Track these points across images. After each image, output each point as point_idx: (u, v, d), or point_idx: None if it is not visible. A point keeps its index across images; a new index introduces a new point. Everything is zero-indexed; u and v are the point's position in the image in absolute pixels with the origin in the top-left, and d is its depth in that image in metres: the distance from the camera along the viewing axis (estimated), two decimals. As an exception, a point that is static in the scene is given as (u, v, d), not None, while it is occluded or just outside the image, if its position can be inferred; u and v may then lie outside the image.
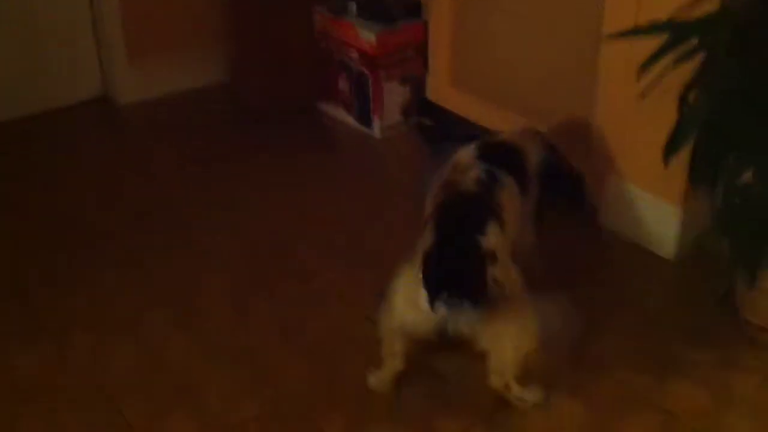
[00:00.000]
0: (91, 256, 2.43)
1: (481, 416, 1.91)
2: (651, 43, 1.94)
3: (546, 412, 1.91)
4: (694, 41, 1.89)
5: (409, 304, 1.80)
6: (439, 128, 3.00)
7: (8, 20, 3.01)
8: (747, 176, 2.00)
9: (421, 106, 3.06)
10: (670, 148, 2.03)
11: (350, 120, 3.11)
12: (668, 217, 2.37)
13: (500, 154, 2.05)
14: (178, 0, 3.21)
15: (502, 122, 2.78)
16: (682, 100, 2.02)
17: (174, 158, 2.94)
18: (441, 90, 3.00)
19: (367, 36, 2.91)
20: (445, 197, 1.93)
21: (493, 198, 1.92)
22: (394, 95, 3.01)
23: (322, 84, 3.16)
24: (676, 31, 1.86)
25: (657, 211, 2.39)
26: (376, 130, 3.03)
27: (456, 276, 1.76)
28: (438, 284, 1.74)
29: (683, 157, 2.08)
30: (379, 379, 1.94)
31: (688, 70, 1.96)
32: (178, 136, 3.07)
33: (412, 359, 1.92)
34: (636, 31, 1.94)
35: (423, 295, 1.75)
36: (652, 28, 1.92)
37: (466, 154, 2.04)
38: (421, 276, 1.76)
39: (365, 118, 3.05)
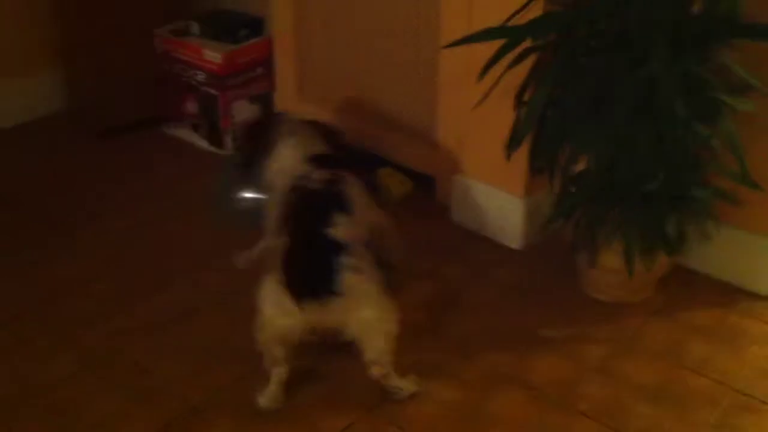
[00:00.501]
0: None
1: (364, 410, 2.00)
2: (484, 49, 2.11)
3: (422, 399, 2.02)
4: (527, 44, 2.07)
5: (278, 309, 1.90)
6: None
7: None
8: (580, 165, 2.21)
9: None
10: (512, 143, 2.21)
11: (200, 141, 3.13)
12: (513, 208, 2.55)
13: (326, 157, 2.23)
14: (16, 27, 3.13)
15: (349, 131, 2.90)
16: (518, 98, 2.20)
17: (15, 195, 2.86)
18: (290, 104, 3.08)
19: (212, 56, 2.95)
20: (294, 201, 2.07)
21: (336, 191, 2.07)
22: (243, 114, 3.06)
23: (169, 107, 3.17)
24: (510, 35, 2.03)
25: (502, 204, 2.57)
26: (228, 149, 3.07)
27: (313, 272, 1.89)
28: (298, 284, 1.87)
29: (523, 151, 2.27)
30: (268, 396, 1.99)
31: (521, 71, 2.15)
32: (20, 172, 2.99)
33: (293, 366, 1.99)
34: (471, 38, 2.09)
35: (287, 298, 1.87)
36: (486, 34, 2.08)
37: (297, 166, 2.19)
38: (283, 279, 1.87)
39: (215, 139, 3.08)
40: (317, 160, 2.20)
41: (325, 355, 2.09)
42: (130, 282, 2.42)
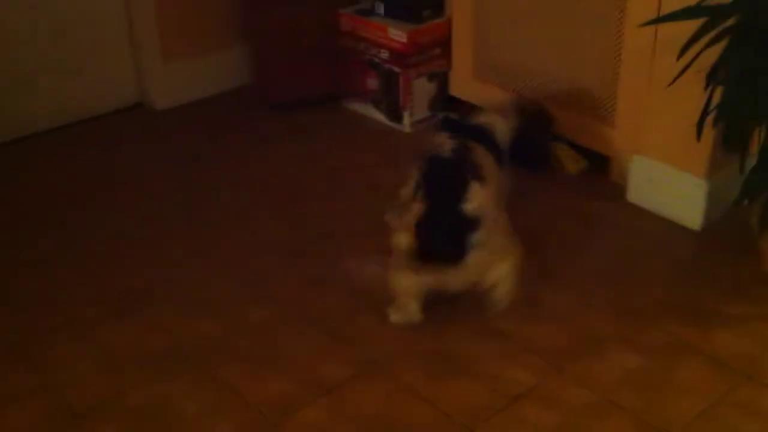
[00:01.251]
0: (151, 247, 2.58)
1: (552, 369, 2.09)
2: (670, 29, 2.14)
3: (607, 364, 2.09)
4: (726, 23, 2.10)
5: (403, 272, 2.11)
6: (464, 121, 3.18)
7: (43, 29, 3.13)
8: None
9: (447, 101, 3.24)
10: (702, 122, 2.24)
11: (380, 116, 3.28)
12: (695, 189, 2.57)
13: (470, 131, 2.35)
14: (207, 4, 3.37)
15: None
16: (711, 77, 2.22)
17: (210, 157, 3.09)
18: (465, 84, 3.19)
19: (397, 35, 3.09)
20: (426, 168, 2.19)
21: (470, 160, 2.19)
22: (422, 91, 3.20)
23: (348, 82, 3.34)
24: (710, 13, 2.06)
25: (683, 184, 2.60)
26: (407, 125, 3.21)
27: (442, 245, 2.07)
28: (425, 255, 2.05)
29: (708, 131, 2.30)
30: (402, 315, 2.20)
31: (711, 51, 2.17)
32: (212, 136, 3.22)
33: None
34: (671, 16, 2.13)
35: (413, 263, 2.07)
36: (687, 13, 2.12)
37: (441, 135, 2.32)
38: (412, 247, 2.06)
39: (395, 114, 3.23)
40: (450, 127, 2.34)
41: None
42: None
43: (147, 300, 2.35)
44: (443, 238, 2.08)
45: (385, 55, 3.17)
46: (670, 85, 2.29)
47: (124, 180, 2.96)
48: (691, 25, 2.14)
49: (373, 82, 3.26)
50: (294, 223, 2.69)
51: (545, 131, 2.62)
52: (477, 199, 2.08)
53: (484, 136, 2.34)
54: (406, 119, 3.21)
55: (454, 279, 2.09)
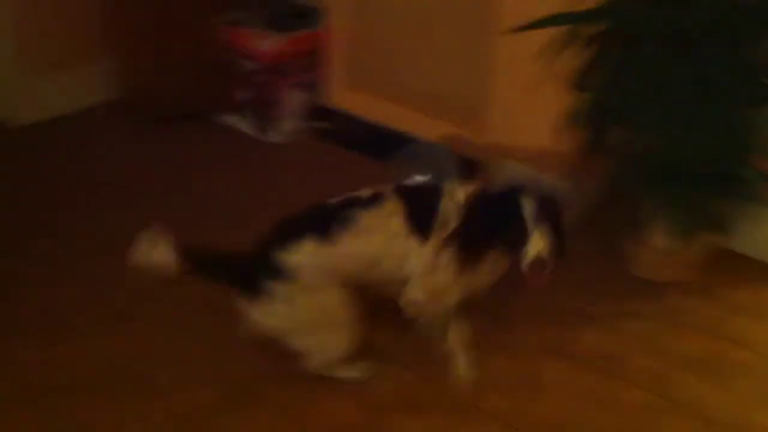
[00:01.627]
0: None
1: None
2: (539, 35, 2.18)
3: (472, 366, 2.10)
4: (589, 30, 2.15)
5: None
6: (338, 130, 3.18)
7: None
8: (629, 149, 2.29)
9: (320, 111, 3.23)
10: (567, 126, 2.29)
11: (251, 128, 3.23)
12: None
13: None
14: (71, 17, 3.25)
15: (400, 120, 3.00)
16: (576, 82, 2.28)
17: (74, 177, 2.96)
18: (339, 94, 3.18)
19: (267, 45, 3.06)
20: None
21: None
22: (293, 101, 3.17)
23: (221, 95, 3.27)
24: (573, 21, 2.12)
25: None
26: (278, 136, 3.17)
27: None
28: None
29: (573, 135, 2.35)
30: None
31: (577, 57, 2.23)
32: (77, 156, 3.10)
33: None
34: (539, 23, 2.17)
35: None
36: (551, 20, 2.17)
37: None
38: None
39: (266, 126, 3.18)
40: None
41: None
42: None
43: None
44: None
45: (255, 65, 3.12)
46: (534, 90, 2.34)
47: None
48: (559, 33, 2.19)
49: (244, 94, 3.21)
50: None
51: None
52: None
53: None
54: (278, 130, 3.17)
55: None
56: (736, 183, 2.23)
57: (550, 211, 1.90)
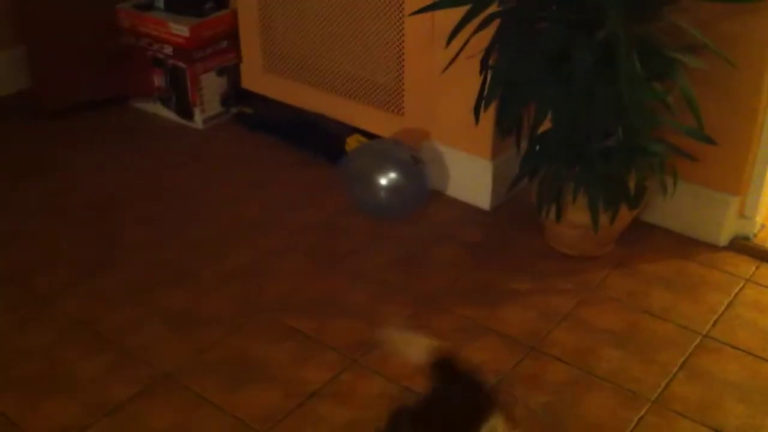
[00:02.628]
0: None
1: (349, 361, 2.08)
2: (448, 16, 2.17)
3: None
4: (491, 9, 2.15)
5: None
6: (259, 115, 3.13)
7: None
8: (544, 126, 2.30)
9: (240, 96, 3.17)
10: (480, 106, 2.30)
11: (170, 114, 3.16)
12: (481, 170, 2.64)
13: None
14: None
15: (317, 102, 2.96)
16: (483, 62, 2.28)
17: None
18: (255, 77, 3.13)
19: (179, 29, 2.98)
20: None
21: None
22: (211, 86, 3.10)
23: (134, 81, 3.19)
24: (475, 0, 2.10)
25: (470, 167, 2.66)
26: (198, 121, 3.11)
27: None
28: None
29: (489, 114, 2.36)
30: None
31: (484, 36, 2.22)
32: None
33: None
34: (437, 5, 2.16)
35: None
36: (451, 1, 2.15)
37: None
38: None
39: (185, 112, 3.12)
40: None
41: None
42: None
43: None
44: None
45: (168, 50, 3.04)
46: (443, 72, 2.33)
47: None
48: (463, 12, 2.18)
49: (159, 80, 3.13)
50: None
51: None
52: None
53: None
54: (198, 115, 3.11)
55: None
56: (645, 156, 2.26)
57: None
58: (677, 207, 2.51)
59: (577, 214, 2.34)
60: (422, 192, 2.64)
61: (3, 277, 2.36)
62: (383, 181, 2.59)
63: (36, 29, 3.11)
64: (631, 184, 2.30)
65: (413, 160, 2.60)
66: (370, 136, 2.90)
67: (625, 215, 2.39)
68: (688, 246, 2.51)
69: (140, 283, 2.34)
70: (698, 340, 2.16)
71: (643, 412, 1.96)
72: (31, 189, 2.77)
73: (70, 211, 2.66)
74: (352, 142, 2.88)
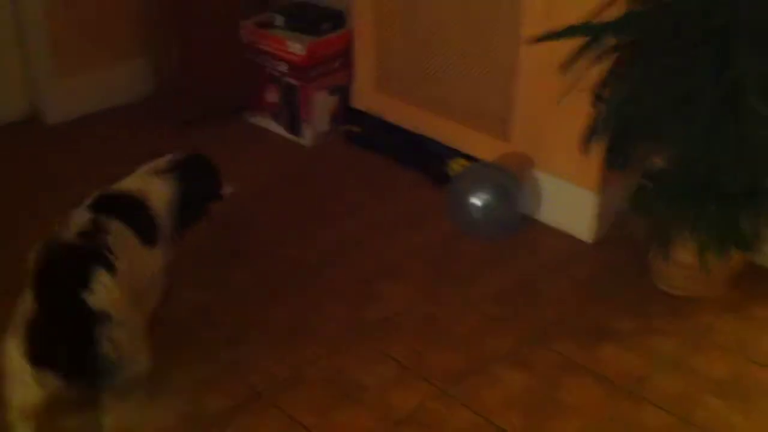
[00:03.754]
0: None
1: (438, 392, 2.07)
2: (564, 46, 2.15)
3: (495, 383, 2.08)
4: (610, 41, 2.11)
5: (21, 383, 1.68)
6: (367, 134, 3.16)
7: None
8: (657, 163, 2.25)
9: (349, 114, 3.22)
10: (590, 138, 2.26)
11: (280, 130, 3.24)
12: (586, 202, 2.59)
13: (113, 205, 1.93)
14: (103, 15, 3.28)
15: (424, 124, 2.98)
16: (597, 95, 2.24)
17: (102, 174, 2.96)
18: (367, 97, 3.17)
19: (296, 48, 3.05)
20: (41, 253, 1.70)
21: (97, 243, 1.76)
22: (323, 104, 3.16)
23: (250, 96, 3.28)
24: (593, 32, 2.08)
25: (575, 198, 2.62)
26: (307, 138, 3.17)
27: (59, 347, 1.64)
28: (41, 359, 1.64)
29: (598, 146, 2.32)
30: None
31: (599, 69, 2.19)
32: (106, 153, 3.13)
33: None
34: (555, 35, 2.14)
35: (29, 370, 1.65)
36: (570, 31, 2.13)
37: (79, 210, 1.89)
38: (24, 349, 1.64)
39: (295, 128, 3.18)
40: (96, 203, 1.92)
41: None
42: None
43: None
44: (60, 340, 1.64)
45: (284, 68, 3.12)
46: (558, 102, 2.30)
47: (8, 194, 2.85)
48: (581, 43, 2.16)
49: (273, 96, 3.21)
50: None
51: (209, 185, 2.23)
52: (103, 291, 1.67)
53: (129, 209, 1.94)
54: (307, 132, 3.17)
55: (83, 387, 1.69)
56: (763, 198, 2.18)
57: None
58: (794, 253, 2.40)
59: (687, 254, 2.26)
60: (516, 215, 2.64)
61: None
62: (477, 202, 2.62)
63: (158, 41, 3.24)
64: (746, 226, 2.21)
65: (510, 183, 2.59)
66: (475, 160, 2.89)
67: (737, 258, 2.30)
68: (803, 294, 2.40)
69: (245, 294, 2.40)
70: (808, 395, 2.06)
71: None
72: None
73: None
74: (456, 165, 2.88)
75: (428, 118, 2.97)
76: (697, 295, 2.38)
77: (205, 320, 2.31)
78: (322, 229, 2.71)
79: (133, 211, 1.95)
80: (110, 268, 1.72)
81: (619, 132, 2.21)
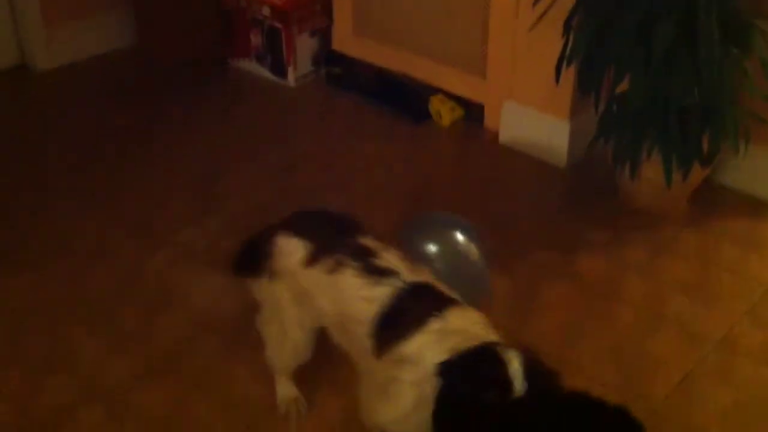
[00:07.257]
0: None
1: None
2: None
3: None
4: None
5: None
6: (347, 75, 3.31)
7: None
8: (622, 86, 2.43)
9: (330, 56, 3.35)
10: (561, 66, 2.43)
11: (265, 72, 3.36)
12: (559, 130, 2.77)
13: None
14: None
15: (403, 63, 3.13)
16: (567, 24, 2.41)
17: (96, 118, 3.11)
18: (345, 39, 3.30)
19: (278, -8, 3.18)
20: None
21: None
22: (305, 47, 3.30)
23: (233, 41, 3.40)
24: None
25: (549, 126, 2.80)
26: (291, 80, 3.31)
27: None
28: None
29: (568, 75, 2.49)
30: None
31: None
32: (98, 98, 3.24)
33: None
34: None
35: None
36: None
37: None
38: None
39: (279, 70, 3.32)
40: None
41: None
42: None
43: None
44: None
45: (267, 12, 3.24)
46: (528, 31, 2.46)
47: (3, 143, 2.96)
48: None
49: (256, 39, 3.33)
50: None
51: None
52: None
53: None
54: (291, 74, 3.30)
55: None
56: (723, 120, 2.36)
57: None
58: (748, 169, 2.60)
59: (653, 171, 2.45)
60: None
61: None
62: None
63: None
64: (705, 144, 2.40)
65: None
66: (453, 96, 3.05)
67: (697, 173, 2.49)
68: (758, 206, 2.61)
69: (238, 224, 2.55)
70: (765, 291, 2.27)
71: (707, 351, 2.09)
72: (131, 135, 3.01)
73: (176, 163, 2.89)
74: (436, 102, 3.04)
75: (407, 57, 3.12)
76: (662, 211, 2.58)
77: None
78: (308, 161, 2.86)
79: None
80: None
81: (588, 59, 2.38)
